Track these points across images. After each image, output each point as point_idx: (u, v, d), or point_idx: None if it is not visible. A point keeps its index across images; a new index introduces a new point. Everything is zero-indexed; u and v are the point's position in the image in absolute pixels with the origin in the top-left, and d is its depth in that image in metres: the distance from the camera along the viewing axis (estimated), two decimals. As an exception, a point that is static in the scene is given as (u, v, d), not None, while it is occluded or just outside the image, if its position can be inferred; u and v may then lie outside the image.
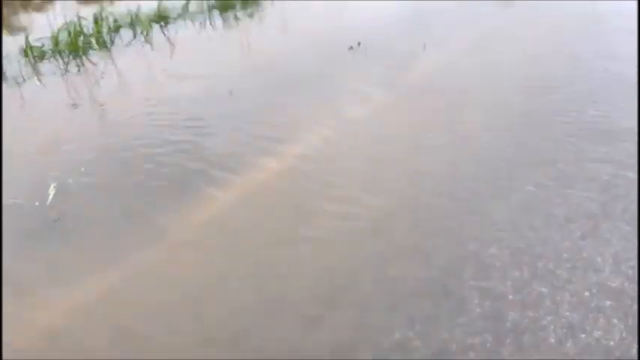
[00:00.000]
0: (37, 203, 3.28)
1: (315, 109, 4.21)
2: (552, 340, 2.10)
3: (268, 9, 7.02)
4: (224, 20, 6.75)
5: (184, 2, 6.86)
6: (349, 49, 5.31)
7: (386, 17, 6.23)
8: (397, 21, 6.11)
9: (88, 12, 6.38)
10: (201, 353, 2.22)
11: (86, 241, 2.99)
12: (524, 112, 3.96)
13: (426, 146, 3.60)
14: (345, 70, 4.86)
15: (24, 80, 5.24)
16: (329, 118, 4.05)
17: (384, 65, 4.93)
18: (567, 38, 5.28)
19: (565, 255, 2.54)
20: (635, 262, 2.45)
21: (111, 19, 6.33)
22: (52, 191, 3.37)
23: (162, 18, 6.62)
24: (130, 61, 5.65)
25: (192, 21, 6.67)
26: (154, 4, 6.63)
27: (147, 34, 6.23)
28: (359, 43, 5.37)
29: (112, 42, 6.09)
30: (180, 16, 6.76)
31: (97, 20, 6.20)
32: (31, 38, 5.79)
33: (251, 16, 6.83)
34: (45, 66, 5.59)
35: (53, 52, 5.80)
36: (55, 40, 5.83)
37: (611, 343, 2.08)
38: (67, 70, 5.50)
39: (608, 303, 2.25)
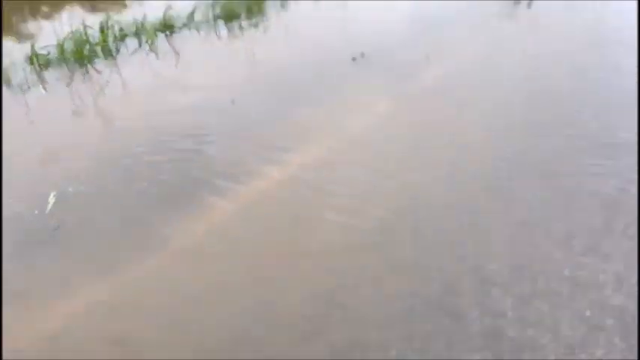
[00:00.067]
0: (36, 211, 3.28)
1: (317, 119, 4.21)
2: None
3: (273, 19, 7.04)
4: (229, 30, 6.77)
5: (190, 12, 6.89)
6: (352, 59, 5.31)
7: (389, 28, 6.23)
8: (400, 31, 6.11)
9: (95, 20, 6.42)
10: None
11: (84, 250, 2.98)
12: (525, 123, 3.94)
13: (427, 159, 3.59)
14: (348, 81, 4.86)
15: (29, 88, 5.27)
16: (330, 128, 4.04)
17: (387, 77, 4.92)
18: (571, 48, 5.26)
19: (566, 272, 2.51)
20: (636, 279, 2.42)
21: (117, 28, 6.36)
22: (51, 200, 3.37)
23: (167, 27, 6.65)
24: (134, 70, 5.68)
25: (197, 30, 6.69)
26: (160, 13, 6.66)
27: (152, 43, 6.25)
28: (362, 54, 5.37)
29: (118, 50, 6.11)
30: (185, 25, 6.79)
31: (102, 29, 6.23)
32: (37, 46, 5.82)
33: (255, 26, 6.85)
34: (50, 74, 5.62)
35: (59, 60, 5.83)
36: (61, 48, 5.86)
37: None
38: (71, 79, 5.52)
39: (610, 322, 2.21)
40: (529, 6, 6.84)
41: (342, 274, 2.63)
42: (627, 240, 2.68)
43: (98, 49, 6.08)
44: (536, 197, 3.07)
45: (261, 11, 7.26)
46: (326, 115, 4.26)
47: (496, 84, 4.65)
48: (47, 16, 8.19)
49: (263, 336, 2.32)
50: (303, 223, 3.06)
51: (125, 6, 8.20)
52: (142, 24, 6.51)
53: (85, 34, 6.08)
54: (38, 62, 5.75)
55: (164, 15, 6.71)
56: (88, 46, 6.00)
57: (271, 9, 7.36)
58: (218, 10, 7.08)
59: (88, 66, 5.80)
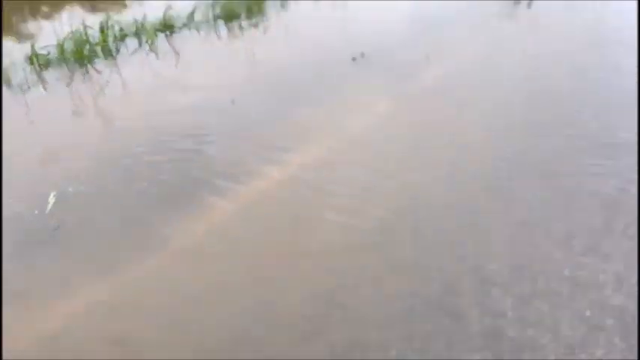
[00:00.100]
0: (36, 211, 3.28)
1: (317, 119, 4.21)
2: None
3: (273, 19, 7.04)
4: (229, 30, 6.77)
5: (190, 12, 6.89)
6: (352, 59, 5.31)
7: (389, 28, 6.22)
8: (400, 31, 6.11)
9: (95, 20, 6.41)
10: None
11: (84, 250, 2.98)
12: (525, 123, 3.93)
13: (427, 159, 3.58)
14: (348, 81, 4.86)
15: (28, 88, 5.27)
16: (330, 128, 4.04)
17: (387, 77, 4.92)
18: (571, 48, 5.26)
19: (566, 272, 2.51)
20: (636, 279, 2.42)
21: (117, 28, 6.36)
22: (51, 199, 3.37)
23: (167, 27, 6.65)
24: (134, 70, 5.67)
25: (197, 30, 6.69)
26: (160, 13, 6.66)
27: (152, 43, 6.25)
28: (362, 54, 5.37)
29: (118, 50, 6.11)
30: (185, 25, 6.78)
31: (102, 29, 6.23)
32: (37, 46, 5.82)
33: (255, 26, 6.85)
34: (50, 74, 5.62)
35: (59, 60, 5.83)
36: (61, 48, 5.86)
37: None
38: (71, 79, 5.52)
39: (610, 322, 2.21)
40: (529, 6, 6.83)
41: (342, 274, 2.62)
42: (627, 240, 2.67)
43: (98, 49, 6.08)
44: (537, 197, 3.07)
45: (261, 11, 7.26)
46: (326, 115, 4.26)
47: (496, 84, 4.65)
48: (47, 16, 8.19)
49: (263, 336, 2.33)
50: (303, 222, 3.06)
51: (125, 6, 8.19)
52: (142, 24, 6.50)
53: (85, 34, 6.08)
54: (38, 62, 5.75)
55: (164, 15, 6.71)
56: (88, 46, 6.00)
57: (271, 9, 7.36)
58: (218, 10, 7.07)
59: (88, 66, 5.80)
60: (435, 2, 7.02)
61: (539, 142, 3.65)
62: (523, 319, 2.27)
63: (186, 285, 2.68)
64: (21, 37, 7.19)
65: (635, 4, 6.13)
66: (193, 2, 7.08)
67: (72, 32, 6.02)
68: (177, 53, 6.08)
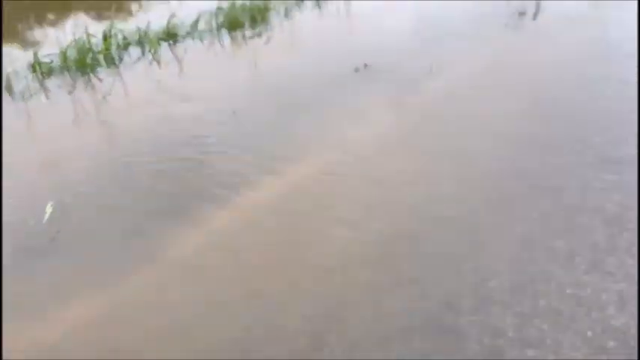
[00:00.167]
0: (32, 222, 3.26)
1: (319, 131, 4.18)
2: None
3: (276, 29, 7.04)
4: (232, 39, 6.77)
5: (194, 21, 6.90)
6: (355, 70, 5.29)
7: (393, 39, 6.21)
8: (404, 42, 6.09)
9: (99, 28, 6.44)
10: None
11: (81, 261, 2.96)
12: (528, 137, 3.89)
13: (428, 172, 3.55)
14: (351, 93, 4.83)
15: (30, 96, 5.28)
16: (331, 140, 4.01)
17: (390, 88, 4.89)
18: (576, 61, 5.23)
19: (568, 290, 2.46)
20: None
21: (120, 37, 6.38)
22: (49, 209, 3.35)
23: (170, 36, 6.66)
24: (137, 79, 5.68)
25: (200, 39, 6.70)
26: (164, 22, 6.68)
27: (155, 52, 6.26)
28: (365, 65, 5.35)
29: (121, 59, 6.13)
30: (188, 34, 6.79)
31: (106, 37, 6.26)
32: (40, 54, 5.84)
33: (259, 35, 6.85)
34: (52, 82, 5.63)
35: (61, 68, 5.85)
36: (64, 56, 5.88)
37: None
38: (73, 87, 5.53)
39: (612, 343, 2.16)
40: (534, 18, 6.81)
41: (342, 289, 2.59)
42: (630, 258, 2.62)
43: (101, 57, 6.10)
44: (539, 212, 3.02)
45: (264, 21, 7.27)
46: (327, 127, 4.23)
47: (500, 96, 4.61)
48: (52, 24, 8.24)
49: (261, 351, 2.29)
50: (302, 235, 3.04)
51: (131, 14, 8.25)
52: (146, 32, 6.52)
53: (88, 42, 6.11)
54: (41, 70, 5.77)
55: (168, 24, 6.72)
56: (90, 55, 6.01)
57: (275, 19, 7.37)
58: (222, 20, 7.09)
59: (91, 74, 5.81)
60: (440, 14, 7.01)
61: (543, 157, 3.60)
62: (523, 339, 2.22)
63: (184, 296, 2.66)
64: (25, 44, 7.23)
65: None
66: (197, 11, 7.10)
67: (75, 40, 6.04)
68: (179, 62, 6.09)
